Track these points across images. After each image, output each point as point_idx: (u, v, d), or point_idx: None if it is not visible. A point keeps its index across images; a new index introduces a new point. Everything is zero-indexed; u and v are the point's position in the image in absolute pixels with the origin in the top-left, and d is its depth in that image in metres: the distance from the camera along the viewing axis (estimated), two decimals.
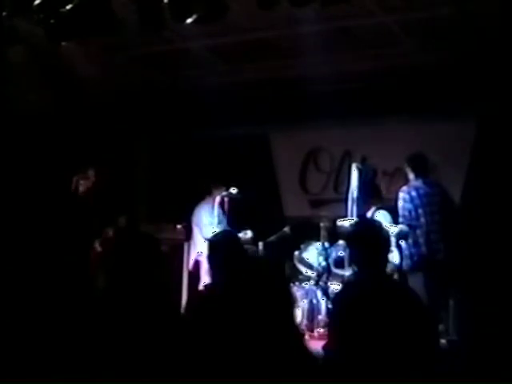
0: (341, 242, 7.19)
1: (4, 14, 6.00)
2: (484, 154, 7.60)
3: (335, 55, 7.33)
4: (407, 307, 3.49)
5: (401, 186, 6.58)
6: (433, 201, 6.27)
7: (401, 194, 6.30)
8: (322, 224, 7.30)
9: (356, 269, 3.99)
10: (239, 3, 5.90)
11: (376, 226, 4.08)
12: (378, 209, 6.95)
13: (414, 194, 6.26)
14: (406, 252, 6.23)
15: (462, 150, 7.70)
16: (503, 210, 7.21)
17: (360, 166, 6.84)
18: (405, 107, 7.88)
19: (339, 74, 7.76)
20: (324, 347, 3.58)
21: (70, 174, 7.32)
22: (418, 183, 6.34)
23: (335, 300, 4.03)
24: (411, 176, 6.46)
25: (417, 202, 6.23)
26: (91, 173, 7.18)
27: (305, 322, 6.78)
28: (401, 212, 6.24)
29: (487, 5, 6.16)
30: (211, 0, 5.73)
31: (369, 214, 6.98)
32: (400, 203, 6.27)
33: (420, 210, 6.20)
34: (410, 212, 6.20)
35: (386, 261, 3.73)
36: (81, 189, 7.17)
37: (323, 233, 7.27)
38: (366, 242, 3.67)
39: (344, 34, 7.02)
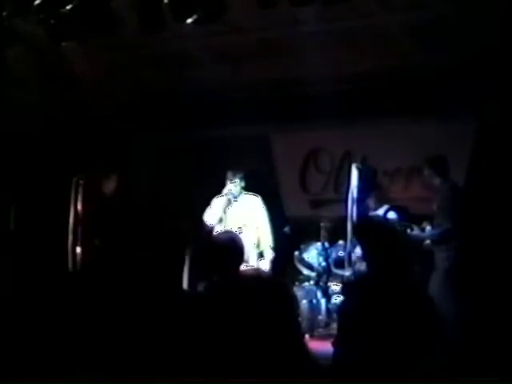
0: (341, 241, 7.20)
1: (4, 13, 6.01)
2: (484, 155, 7.59)
3: (335, 55, 7.33)
4: (416, 306, 3.49)
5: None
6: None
7: (452, 192, 6.33)
8: (322, 224, 7.32)
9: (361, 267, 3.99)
10: (239, 3, 5.91)
11: (389, 224, 4.11)
12: (389, 209, 6.95)
13: None
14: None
15: (462, 150, 7.69)
16: (503, 209, 7.20)
17: (360, 166, 6.85)
18: (405, 107, 7.87)
19: (339, 74, 7.76)
20: (334, 343, 3.59)
21: (69, 174, 7.33)
22: (452, 184, 6.42)
23: (345, 297, 4.03)
24: (437, 180, 6.41)
25: None
26: (114, 176, 7.29)
27: (305, 322, 6.78)
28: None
29: (487, 5, 6.16)
30: (211, 0, 5.74)
31: (380, 213, 6.97)
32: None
33: None
34: None
35: (396, 259, 3.73)
36: (105, 190, 7.26)
37: (323, 233, 7.29)
38: (379, 240, 3.67)
39: (344, 33, 7.01)
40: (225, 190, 6.90)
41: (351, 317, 3.54)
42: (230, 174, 6.91)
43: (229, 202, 6.83)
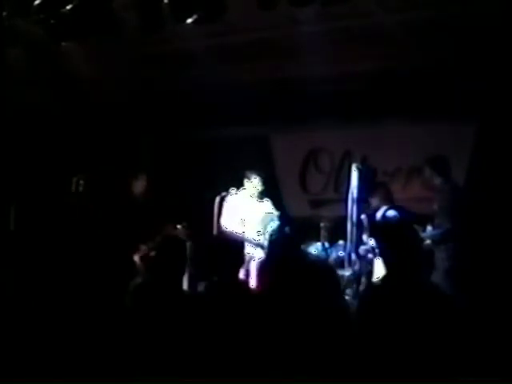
0: (341, 242, 7.19)
1: (4, 13, 6.02)
2: (484, 155, 7.59)
3: (335, 55, 7.33)
4: (438, 310, 3.47)
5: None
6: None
7: (453, 192, 6.30)
8: (322, 224, 7.31)
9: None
10: (239, 3, 5.91)
11: (414, 227, 4.10)
12: (388, 209, 6.92)
13: None
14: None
15: (462, 150, 7.69)
16: (504, 210, 7.20)
17: (360, 166, 6.84)
18: (405, 107, 7.87)
19: (339, 74, 7.76)
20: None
21: (69, 174, 7.33)
22: (452, 184, 6.38)
23: (364, 299, 3.99)
24: (438, 180, 6.36)
25: None
26: (143, 177, 7.31)
27: None
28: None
29: (487, 5, 6.16)
30: (211, 0, 5.75)
31: (379, 214, 6.93)
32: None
33: None
34: None
35: (419, 263, 3.70)
36: (135, 190, 7.28)
37: (323, 233, 7.28)
38: (406, 243, 3.66)
39: (344, 33, 7.02)
40: (247, 191, 6.94)
41: (372, 319, 3.51)
42: (250, 175, 6.94)
43: (250, 203, 6.89)
